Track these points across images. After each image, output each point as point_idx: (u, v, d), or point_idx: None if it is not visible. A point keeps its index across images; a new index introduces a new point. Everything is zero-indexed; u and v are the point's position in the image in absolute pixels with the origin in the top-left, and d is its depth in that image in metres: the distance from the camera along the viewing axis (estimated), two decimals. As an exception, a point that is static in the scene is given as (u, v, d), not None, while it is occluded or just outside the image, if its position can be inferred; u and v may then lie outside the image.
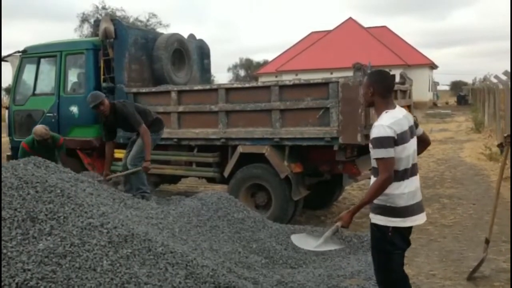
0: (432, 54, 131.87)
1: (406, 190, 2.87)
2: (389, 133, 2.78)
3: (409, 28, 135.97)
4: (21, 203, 3.43)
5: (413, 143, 2.94)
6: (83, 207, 3.57)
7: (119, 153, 6.93)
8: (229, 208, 5.11)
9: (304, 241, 4.46)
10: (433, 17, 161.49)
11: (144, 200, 5.23)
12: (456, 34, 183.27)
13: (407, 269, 4.59)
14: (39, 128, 6.36)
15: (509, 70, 9.23)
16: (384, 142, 2.78)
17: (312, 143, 5.91)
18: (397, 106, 3.00)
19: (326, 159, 6.00)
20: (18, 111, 7.77)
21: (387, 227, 2.88)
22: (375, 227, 2.95)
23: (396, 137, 2.80)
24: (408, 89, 7.53)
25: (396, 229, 2.88)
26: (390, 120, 2.83)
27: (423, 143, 3.14)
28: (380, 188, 2.82)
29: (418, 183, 2.98)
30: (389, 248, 2.93)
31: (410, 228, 2.98)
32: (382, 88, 2.94)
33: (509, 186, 6.87)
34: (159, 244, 3.46)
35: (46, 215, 3.37)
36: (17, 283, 2.76)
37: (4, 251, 3.01)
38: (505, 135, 4.57)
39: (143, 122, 5.79)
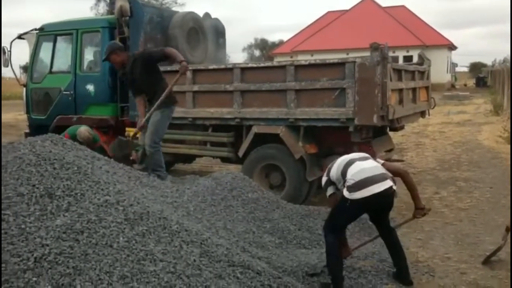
0: (451, 35, 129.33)
1: None
2: None
3: (429, 7, 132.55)
4: (39, 180, 3.47)
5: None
6: (100, 185, 3.60)
7: (130, 131, 6.93)
8: (244, 188, 5.12)
9: None
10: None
11: (159, 179, 5.26)
12: (477, 14, 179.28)
13: (421, 252, 4.62)
14: (83, 131, 6.35)
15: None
16: None
17: (327, 124, 5.86)
18: None
19: (341, 140, 5.96)
20: (35, 89, 7.83)
21: None
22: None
23: None
24: (426, 70, 7.41)
25: None
26: None
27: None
28: None
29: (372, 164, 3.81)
30: None
31: (371, 198, 3.63)
32: None
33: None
34: (174, 222, 3.49)
35: (63, 191, 3.40)
36: (35, 258, 2.80)
37: (23, 226, 3.06)
38: None
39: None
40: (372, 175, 3.62)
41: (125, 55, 5.76)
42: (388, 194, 3.64)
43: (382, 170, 3.68)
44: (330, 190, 3.97)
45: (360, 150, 6.00)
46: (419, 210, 3.91)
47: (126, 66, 5.72)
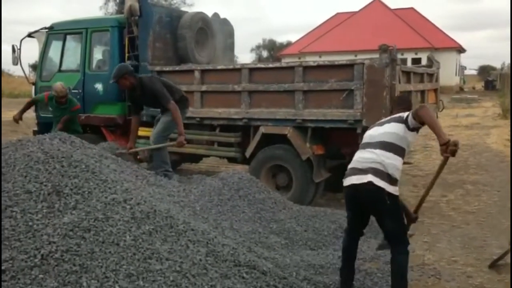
0: (461, 37, 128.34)
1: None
2: None
3: (440, 10, 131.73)
4: (47, 177, 3.49)
5: (375, 130, 3.55)
6: (107, 183, 3.61)
7: (142, 131, 6.99)
8: (250, 188, 5.12)
9: None
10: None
11: (166, 178, 5.27)
12: (488, 17, 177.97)
13: (428, 255, 4.59)
14: (58, 84, 6.70)
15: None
16: None
17: (335, 125, 5.85)
18: None
19: (349, 141, 5.93)
20: (44, 87, 7.87)
21: None
22: None
23: None
24: (435, 73, 7.38)
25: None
26: None
27: None
28: None
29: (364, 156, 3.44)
30: None
31: (350, 188, 3.44)
32: None
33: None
34: (181, 222, 3.50)
35: (71, 189, 3.42)
36: (42, 255, 2.82)
37: (30, 223, 3.08)
38: None
39: (171, 98, 5.70)
40: (355, 167, 3.45)
41: (133, 79, 5.85)
42: (365, 189, 3.32)
43: (369, 165, 3.33)
44: None
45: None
46: (443, 147, 3.16)
47: (135, 88, 5.88)
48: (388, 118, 3.66)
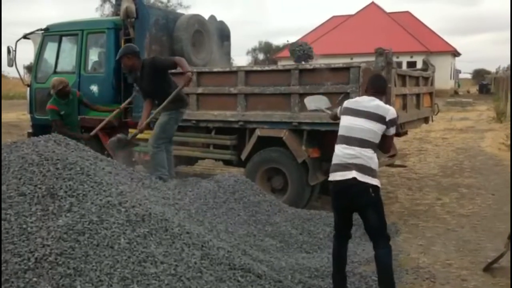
0: (457, 41, 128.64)
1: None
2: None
3: (437, 14, 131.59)
4: (42, 180, 3.47)
5: (353, 120, 3.58)
6: (102, 186, 3.60)
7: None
8: (246, 191, 5.12)
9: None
10: (465, 2, 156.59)
11: (161, 181, 5.25)
12: (485, 21, 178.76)
13: (422, 258, 4.60)
14: (56, 78, 6.56)
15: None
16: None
17: (331, 128, 5.83)
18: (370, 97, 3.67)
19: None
20: (39, 89, 7.84)
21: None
22: None
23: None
24: (430, 76, 7.40)
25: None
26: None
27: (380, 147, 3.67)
28: None
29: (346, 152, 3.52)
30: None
31: (336, 184, 3.54)
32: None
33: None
34: (176, 225, 3.49)
35: (65, 192, 3.40)
36: (36, 258, 2.80)
37: (24, 226, 3.06)
38: None
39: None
40: (338, 163, 3.53)
41: (136, 60, 5.75)
42: (349, 185, 3.44)
43: (351, 160, 3.46)
44: None
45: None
46: None
47: (136, 71, 5.76)
48: (364, 107, 3.59)
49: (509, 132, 11.66)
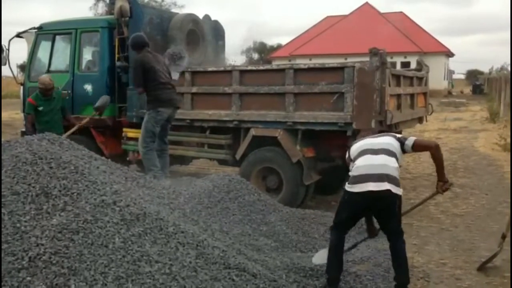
0: (451, 42, 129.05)
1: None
2: None
3: (432, 15, 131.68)
4: (35, 179, 3.46)
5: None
6: (96, 185, 3.58)
7: (131, 132, 6.97)
8: (240, 190, 5.11)
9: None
10: (459, 3, 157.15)
11: (156, 180, 5.24)
12: (476, 22, 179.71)
13: (417, 257, 4.62)
14: (44, 76, 6.63)
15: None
16: None
17: (325, 128, 5.87)
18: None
19: (339, 144, 5.96)
20: (33, 87, 7.79)
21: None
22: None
23: None
24: (424, 76, 7.43)
25: None
26: None
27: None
28: None
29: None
30: None
31: (364, 195, 3.52)
32: None
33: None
34: (171, 224, 3.48)
35: (59, 191, 3.39)
36: (30, 257, 2.79)
37: (18, 225, 3.04)
38: None
39: (141, 86, 5.86)
40: (373, 173, 3.51)
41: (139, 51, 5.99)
42: (383, 196, 3.50)
43: (386, 171, 3.52)
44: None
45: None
46: (441, 183, 3.83)
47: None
48: (374, 135, 3.97)
49: (503, 132, 11.74)
